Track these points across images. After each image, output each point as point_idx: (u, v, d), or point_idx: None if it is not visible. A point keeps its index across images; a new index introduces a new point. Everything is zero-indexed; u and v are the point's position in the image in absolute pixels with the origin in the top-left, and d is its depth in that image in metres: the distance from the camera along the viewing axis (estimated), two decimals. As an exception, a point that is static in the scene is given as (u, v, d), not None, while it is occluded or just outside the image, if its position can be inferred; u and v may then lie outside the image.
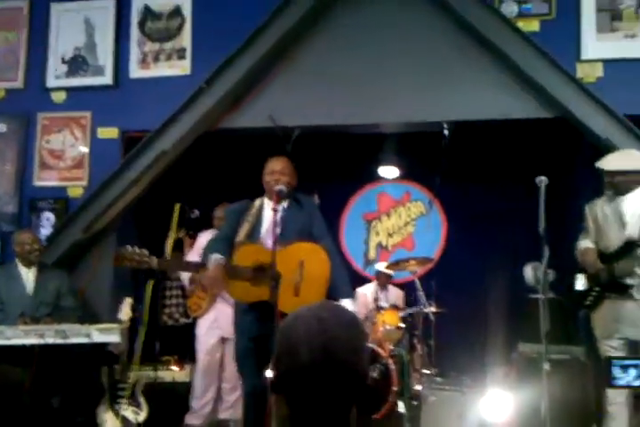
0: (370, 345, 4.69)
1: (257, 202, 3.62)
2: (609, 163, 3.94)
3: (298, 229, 3.51)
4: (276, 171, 3.57)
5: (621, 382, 1.59)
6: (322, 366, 1.15)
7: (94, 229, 5.05)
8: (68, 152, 5.29)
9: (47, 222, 5.19)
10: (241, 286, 3.32)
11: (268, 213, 3.47)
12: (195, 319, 4.98)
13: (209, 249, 3.49)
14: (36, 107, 5.38)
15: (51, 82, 5.37)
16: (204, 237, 5.02)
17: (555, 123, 4.87)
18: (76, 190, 5.24)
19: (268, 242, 3.41)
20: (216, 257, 3.36)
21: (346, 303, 3.35)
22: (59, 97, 5.37)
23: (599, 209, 3.98)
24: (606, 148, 4.52)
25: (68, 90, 5.36)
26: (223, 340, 4.85)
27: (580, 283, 3.99)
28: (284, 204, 3.57)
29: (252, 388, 3.43)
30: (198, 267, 3.55)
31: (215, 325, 4.82)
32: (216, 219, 5.01)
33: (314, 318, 1.20)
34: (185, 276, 5.04)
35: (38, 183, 5.28)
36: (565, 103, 4.57)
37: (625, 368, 1.59)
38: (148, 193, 5.45)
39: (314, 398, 1.16)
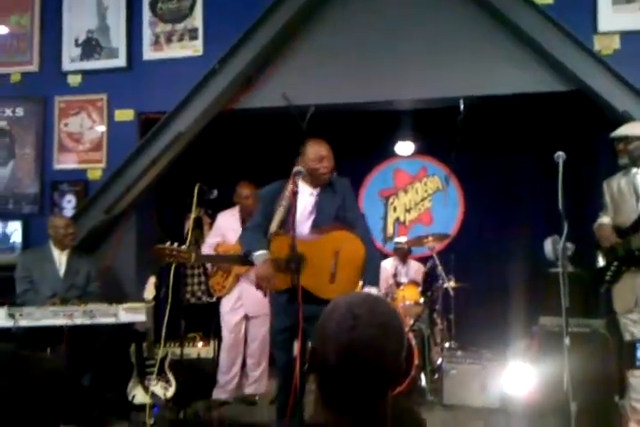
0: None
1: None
2: (617, 131, 3.96)
3: (332, 213, 3.51)
4: (325, 156, 3.49)
5: None
6: (346, 365, 1.17)
7: (115, 210, 5.12)
8: (86, 135, 5.35)
9: (69, 204, 5.28)
10: (278, 278, 3.35)
11: (303, 197, 3.44)
12: (218, 299, 5.06)
13: (248, 244, 3.51)
14: (52, 90, 5.43)
15: (66, 65, 5.41)
16: (223, 218, 5.07)
17: (572, 97, 4.86)
18: (96, 173, 5.31)
19: (303, 228, 3.48)
20: (262, 253, 3.38)
21: (370, 291, 3.39)
22: (74, 80, 5.41)
23: (615, 184, 4.00)
24: (624, 120, 4.51)
25: (84, 73, 5.40)
26: (247, 317, 4.95)
27: (599, 260, 4.03)
28: (318, 188, 3.57)
29: (285, 363, 3.49)
30: (234, 260, 3.60)
31: (239, 303, 4.91)
32: (237, 196, 5.03)
33: (348, 314, 1.20)
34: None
35: (58, 166, 5.36)
36: (582, 76, 4.56)
37: None
38: (167, 174, 5.50)
39: (341, 391, 1.18)
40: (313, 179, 3.50)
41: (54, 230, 4.68)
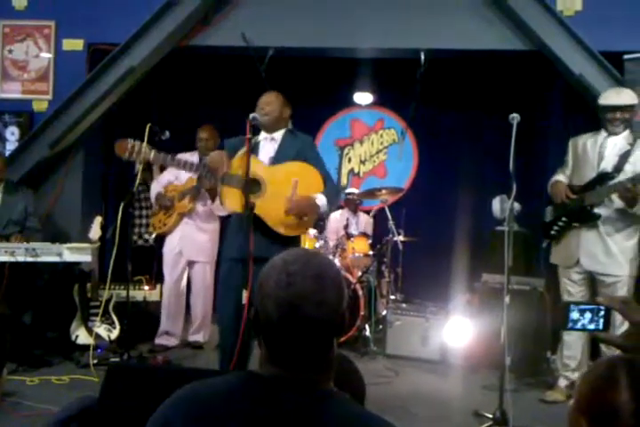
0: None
1: (258, 136, 3.67)
2: (606, 99, 3.96)
3: (292, 155, 3.56)
4: (260, 103, 3.63)
5: (577, 326, 1.72)
6: (288, 321, 1.19)
7: (61, 145, 4.99)
8: (31, 63, 5.16)
9: (12, 137, 5.12)
10: (232, 194, 3.40)
11: (264, 144, 3.58)
12: (157, 237, 5.04)
13: None
14: (-5, 13, 5.16)
15: (10, -15, 5.12)
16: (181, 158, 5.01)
17: (530, 57, 4.95)
18: (41, 104, 5.15)
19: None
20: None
21: (319, 199, 3.44)
22: (20, 3, 5.16)
23: (581, 143, 4.07)
24: (579, 84, 4.63)
25: (30, -5, 5.14)
26: (189, 263, 4.99)
27: (548, 215, 4.15)
28: (279, 133, 3.65)
29: (228, 311, 3.51)
30: (192, 166, 3.59)
31: (179, 246, 4.91)
32: (199, 140, 4.99)
33: (283, 272, 1.22)
34: (153, 194, 5.05)
35: (1, 95, 5.18)
36: (542, 36, 4.65)
37: (582, 312, 1.71)
38: (117, 111, 5.37)
39: (286, 348, 1.22)
40: (263, 125, 3.59)
41: None
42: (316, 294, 1.20)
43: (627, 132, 3.95)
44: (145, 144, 3.59)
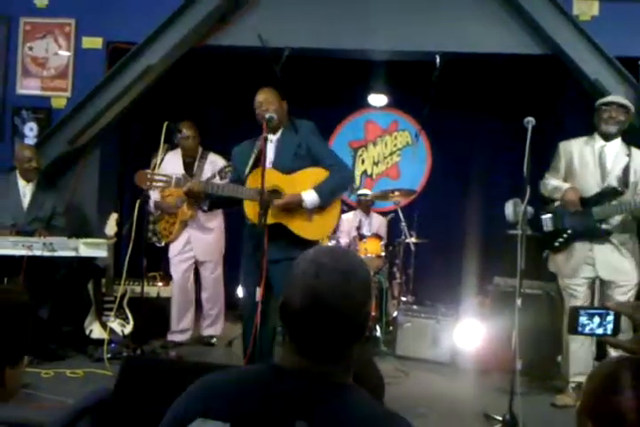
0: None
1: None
2: (604, 98, 4.02)
3: (292, 154, 3.57)
4: (261, 102, 3.60)
5: (585, 331, 1.73)
6: (311, 309, 1.21)
7: (79, 142, 5.06)
8: (51, 60, 5.21)
9: (31, 133, 5.18)
10: (251, 207, 3.44)
11: (270, 147, 3.55)
12: (167, 244, 5.08)
13: None
14: (17, 11, 5.24)
15: (31, -17, 5.19)
16: (168, 159, 4.94)
17: (545, 61, 4.95)
18: (60, 101, 5.21)
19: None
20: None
21: (307, 194, 3.44)
22: (41, 1, 5.22)
23: (576, 151, 4.03)
24: (594, 89, 4.64)
25: (50, -7, 5.20)
26: (198, 263, 5.04)
27: (547, 224, 4.10)
28: (279, 132, 3.64)
29: (251, 305, 3.51)
30: (221, 188, 3.59)
31: (187, 248, 4.97)
32: (179, 137, 4.93)
33: (313, 262, 1.25)
34: (151, 201, 5.02)
35: (21, 91, 5.24)
36: (558, 40, 4.66)
37: (590, 316, 1.72)
38: (135, 110, 5.42)
39: (307, 338, 1.23)
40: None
41: (19, 162, 4.64)
42: (341, 288, 1.21)
43: (620, 142, 3.96)
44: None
